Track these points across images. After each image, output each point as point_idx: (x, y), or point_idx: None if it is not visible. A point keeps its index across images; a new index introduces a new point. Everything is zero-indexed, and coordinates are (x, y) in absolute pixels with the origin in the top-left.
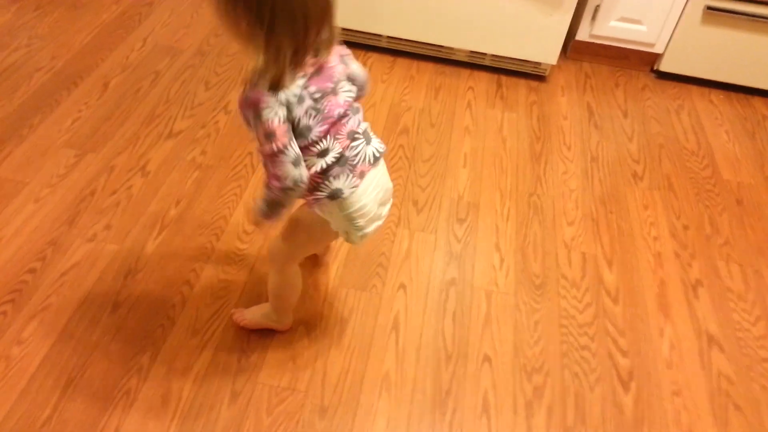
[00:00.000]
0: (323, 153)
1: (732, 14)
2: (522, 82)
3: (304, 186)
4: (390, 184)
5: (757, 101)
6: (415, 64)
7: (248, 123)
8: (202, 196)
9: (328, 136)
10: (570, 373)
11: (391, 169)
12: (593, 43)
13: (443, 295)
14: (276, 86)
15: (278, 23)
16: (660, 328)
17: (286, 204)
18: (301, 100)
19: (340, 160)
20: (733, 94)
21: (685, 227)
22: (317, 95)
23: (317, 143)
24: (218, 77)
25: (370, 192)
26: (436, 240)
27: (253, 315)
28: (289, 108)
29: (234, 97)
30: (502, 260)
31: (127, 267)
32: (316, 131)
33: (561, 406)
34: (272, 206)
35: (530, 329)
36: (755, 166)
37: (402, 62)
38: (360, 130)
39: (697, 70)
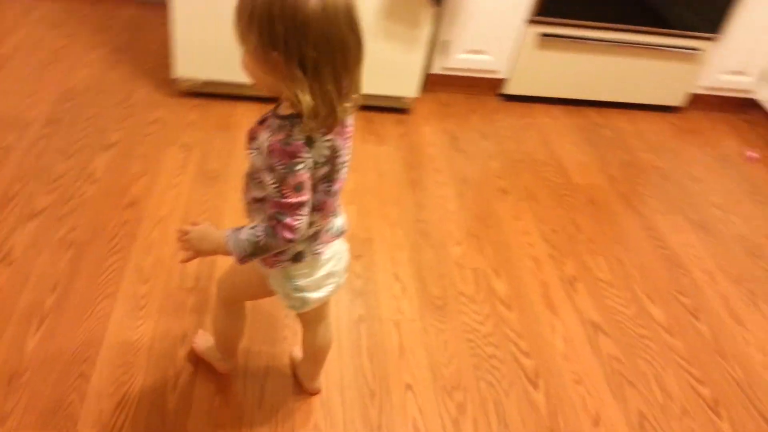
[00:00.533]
0: (309, 224)
1: (563, 38)
2: (389, 117)
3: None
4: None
5: (590, 112)
6: None
7: (270, 169)
8: (81, 276)
9: (321, 212)
10: (485, 384)
11: None
12: (446, 74)
13: (355, 333)
14: (312, 140)
15: (322, 65)
16: (551, 324)
17: (276, 252)
18: (324, 163)
19: (317, 234)
20: (570, 108)
21: (553, 231)
22: (339, 164)
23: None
24: (77, 144)
25: (329, 261)
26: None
27: (206, 343)
28: (315, 166)
29: (98, 164)
30: (403, 288)
31: (10, 371)
32: (316, 200)
33: (484, 416)
34: (261, 251)
35: (441, 349)
36: (598, 169)
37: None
38: (338, 206)
39: (537, 90)
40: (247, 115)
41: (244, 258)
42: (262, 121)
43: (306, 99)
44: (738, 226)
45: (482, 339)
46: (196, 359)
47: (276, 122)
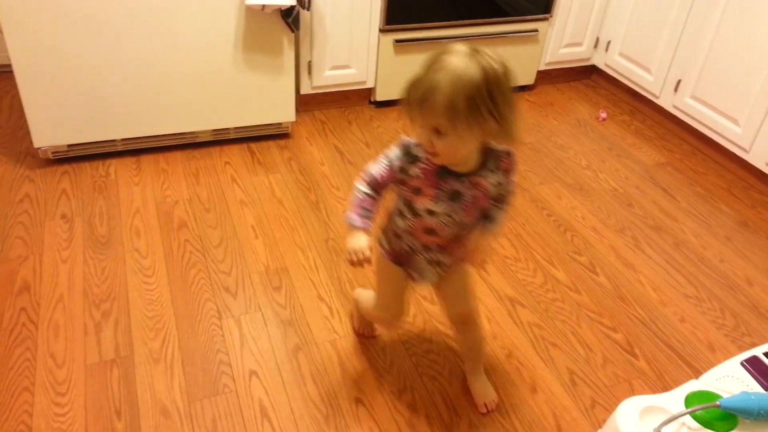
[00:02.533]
0: None
1: (415, 41)
2: (272, 144)
3: None
4: None
5: None
6: (162, 157)
7: (511, 178)
8: None
9: None
10: (428, 379)
11: (187, 266)
12: (317, 93)
13: (295, 363)
14: None
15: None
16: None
17: None
18: None
19: None
20: None
21: None
22: None
23: None
24: None
25: None
26: (264, 315)
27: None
28: None
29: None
30: (330, 308)
31: None
32: None
33: (434, 409)
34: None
35: (381, 357)
36: None
37: (147, 159)
38: None
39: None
40: (122, 170)
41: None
42: (475, 186)
43: (517, 132)
44: (608, 182)
45: (416, 337)
46: None
47: (492, 166)
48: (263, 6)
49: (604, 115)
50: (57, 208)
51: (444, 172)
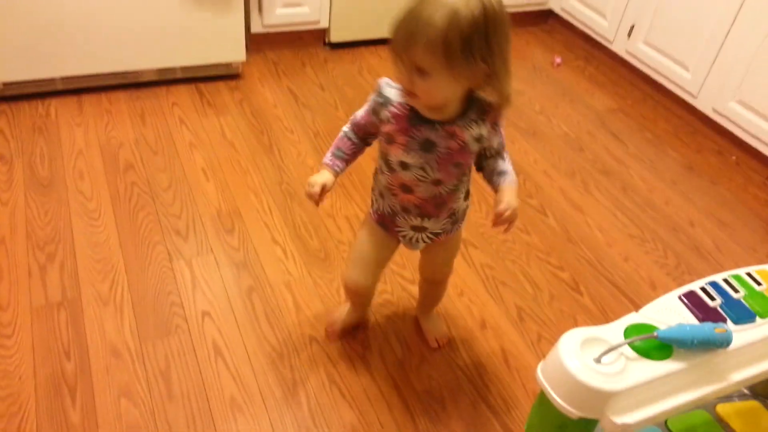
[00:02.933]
0: None
1: None
2: (221, 85)
3: None
4: None
5: None
6: (104, 97)
7: (498, 134)
8: None
9: None
10: (382, 317)
11: (135, 209)
12: (269, 32)
13: (248, 303)
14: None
15: (508, 57)
16: None
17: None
18: None
19: None
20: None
21: None
22: None
23: None
24: None
25: None
26: (216, 258)
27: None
28: None
29: None
30: (284, 251)
31: None
32: None
33: (387, 346)
34: None
35: (335, 297)
36: None
37: (89, 99)
38: None
39: (360, 33)
40: (63, 111)
41: None
42: (451, 136)
43: (509, 89)
44: (561, 126)
45: None
46: None
47: (474, 116)
48: None
49: (558, 60)
50: None
51: (416, 118)
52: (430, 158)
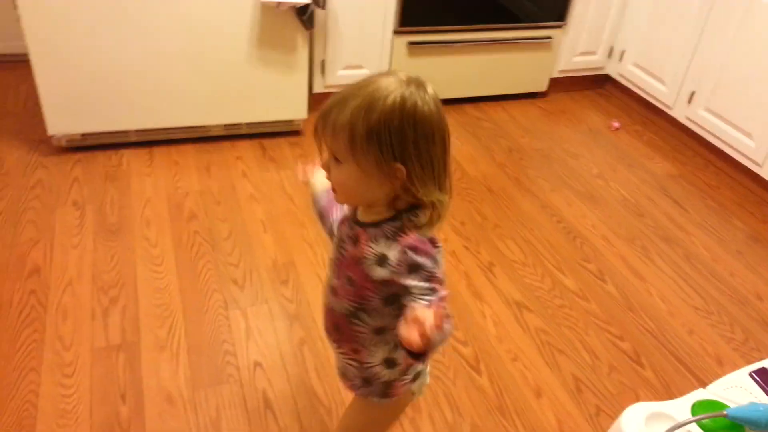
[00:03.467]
0: None
1: (429, 44)
2: (283, 141)
3: None
4: None
5: (468, 107)
6: (174, 150)
7: (414, 270)
8: None
9: None
10: (432, 378)
11: (196, 257)
12: (329, 92)
13: (299, 356)
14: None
15: (442, 162)
16: (481, 311)
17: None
18: None
19: None
20: (449, 107)
21: (462, 223)
22: None
23: None
24: None
25: None
26: (270, 308)
27: None
28: None
29: None
30: None
31: None
32: None
33: (438, 409)
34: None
35: None
36: (488, 159)
37: (159, 151)
38: None
39: None
40: (134, 161)
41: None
42: (355, 241)
43: (444, 198)
44: (619, 191)
45: None
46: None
47: (389, 230)
48: (278, 3)
49: (616, 124)
50: (69, 195)
51: (351, 219)
52: (335, 258)
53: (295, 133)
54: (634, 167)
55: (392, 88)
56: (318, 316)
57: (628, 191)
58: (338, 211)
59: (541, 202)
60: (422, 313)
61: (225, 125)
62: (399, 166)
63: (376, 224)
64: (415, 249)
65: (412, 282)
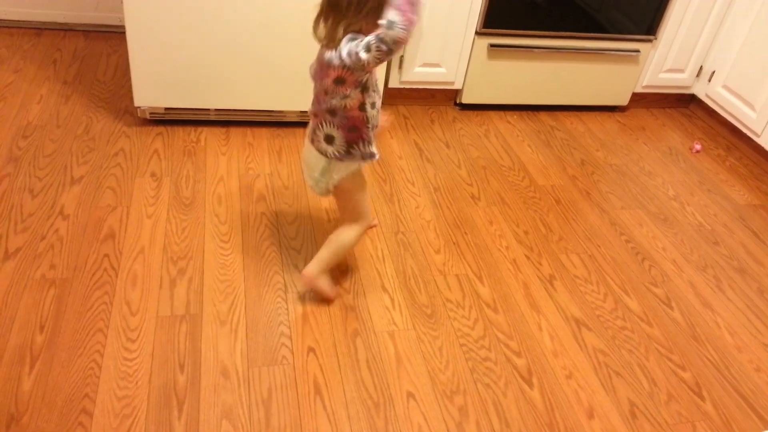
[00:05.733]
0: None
1: (510, 48)
2: None
3: None
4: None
5: (543, 115)
6: (249, 132)
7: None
8: (68, 313)
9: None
10: (483, 386)
11: (261, 237)
12: (404, 88)
13: (351, 347)
14: None
15: None
16: (537, 323)
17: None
18: None
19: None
20: (524, 113)
21: (526, 232)
22: None
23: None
24: (42, 182)
25: None
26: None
27: (320, 277)
28: None
29: (67, 200)
30: (392, 300)
31: (7, 414)
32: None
33: (485, 417)
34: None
35: (437, 356)
36: (559, 169)
37: (236, 132)
38: None
39: (491, 97)
40: (211, 139)
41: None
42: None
43: None
44: (695, 215)
45: (474, 343)
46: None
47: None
48: None
49: (698, 146)
50: (148, 166)
51: None
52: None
53: None
54: (713, 193)
55: None
56: (374, 310)
57: (704, 217)
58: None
59: (610, 218)
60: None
61: (299, 112)
62: None
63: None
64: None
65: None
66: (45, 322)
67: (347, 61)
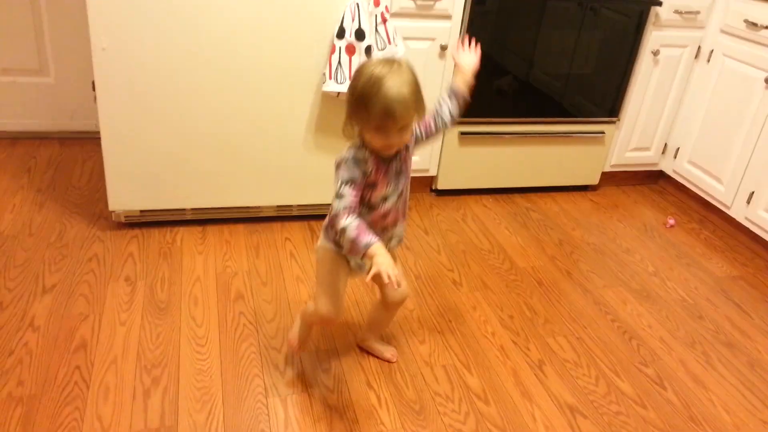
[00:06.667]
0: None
1: (480, 135)
2: None
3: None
4: None
5: (517, 197)
6: (226, 229)
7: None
8: None
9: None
10: None
11: (240, 339)
12: None
13: None
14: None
15: None
16: (530, 413)
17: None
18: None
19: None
20: (498, 196)
21: (511, 317)
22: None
23: None
24: (12, 293)
25: None
26: (310, 398)
27: (296, 331)
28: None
29: (38, 310)
30: (378, 397)
31: None
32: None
33: None
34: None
35: None
36: (538, 250)
37: (212, 230)
38: None
39: (466, 182)
40: (188, 239)
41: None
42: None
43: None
44: (677, 291)
45: None
46: None
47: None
48: (338, 93)
49: (672, 221)
50: (122, 270)
51: (383, 161)
52: (400, 179)
53: None
54: (691, 266)
55: (395, 69)
56: (360, 409)
57: (686, 291)
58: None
59: (594, 298)
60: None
61: (277, 207)
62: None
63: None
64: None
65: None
66: None
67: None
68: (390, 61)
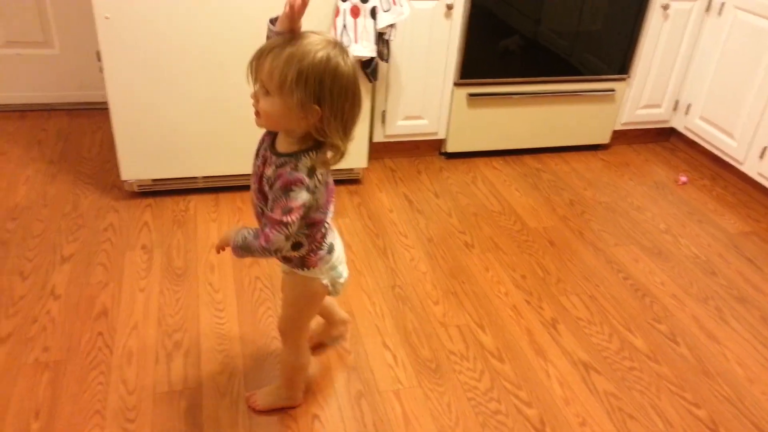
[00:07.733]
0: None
1: (489, 96)
2: (342, 189)
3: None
4: None
5: (527, 158)
6: (238, 196)
7: (276, 199)
8: (63, 397)
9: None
10: None
11: (257, 303)
12: (389, 141)
13: (357, 410)
14: (313, 171)
15: (350, 117)
16: (545, 370)
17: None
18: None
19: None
20: (508, 158)
21: (523, 277)
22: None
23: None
24: (32, 263)
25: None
26: (328, 359)
27: (266, 397)
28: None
29: (58, 279)
30: (394, 357)
31: None
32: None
33: None
34: (248, 252)
35: (446, 412)
36: (549, 211)
37: (225, 197)
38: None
39: (475, 145)
40: (201, 207)
41: (238, 254)
42: (264, 161)
43: (346, 144)
44: (689, 247)
45: (483, 396)
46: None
47: (288, 163)
48: None
49: (684, 178)
50: (138, 239)
51: (269, 144)
52: (254, 165)
53: (355, 181)
54: (703, 223)
55: (321, 46)
56: (377, 368)
57: (698, 248)
58: None
59: (606, 256)
60: (226, 234)
61: None
62: (316, 107)
63: (282, 154)
64: (285, 167)
65: (271, 206)
66: (40, 408)
67: None
68: (340, 47)
